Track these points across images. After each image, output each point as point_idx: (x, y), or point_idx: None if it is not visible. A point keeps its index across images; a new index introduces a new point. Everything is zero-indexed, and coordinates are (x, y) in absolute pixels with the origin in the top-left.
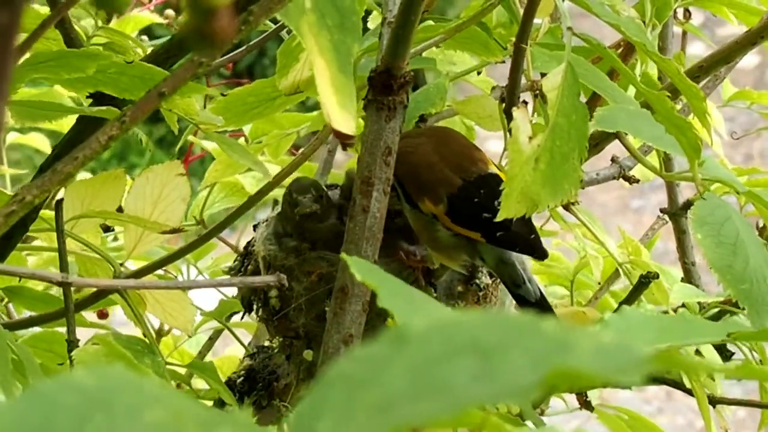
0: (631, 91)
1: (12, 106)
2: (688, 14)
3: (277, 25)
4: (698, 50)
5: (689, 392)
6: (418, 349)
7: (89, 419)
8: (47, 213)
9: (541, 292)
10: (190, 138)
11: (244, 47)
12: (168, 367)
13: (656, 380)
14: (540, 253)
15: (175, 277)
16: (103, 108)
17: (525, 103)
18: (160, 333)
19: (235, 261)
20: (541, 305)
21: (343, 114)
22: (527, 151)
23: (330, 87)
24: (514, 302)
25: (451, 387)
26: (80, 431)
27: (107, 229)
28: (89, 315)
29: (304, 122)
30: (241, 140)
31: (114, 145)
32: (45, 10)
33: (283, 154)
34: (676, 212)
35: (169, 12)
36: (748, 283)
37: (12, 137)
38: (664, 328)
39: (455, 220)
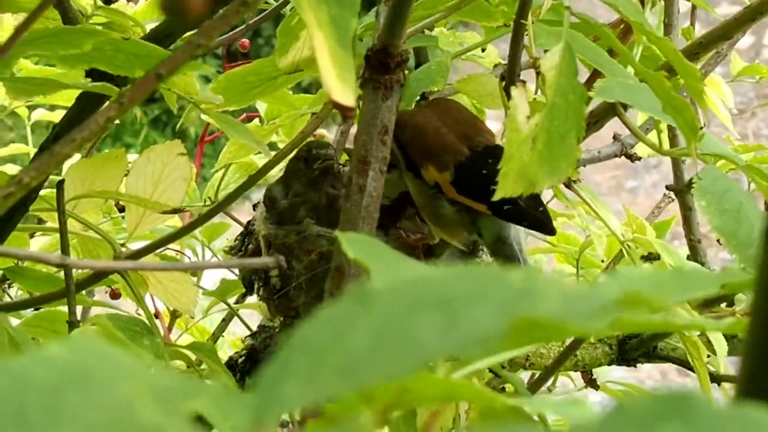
0: (631, 69)
1: (5, 82)
2: None
3: (277, 4)
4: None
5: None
6: (382, 307)
7: (64, 394)
8: (49, 193)
9: None
10: (206, 118)
11: (242, 27)
12: (174, 348)
13: (662, 358)
14: (548, 229)
15: (188, 258)
16: (99, 84)
17: (523, 82)
18: (175, 314)
19: (235, 240)
20: None
21: (342, 86)
22: (525, 130)
23: (329, 60)
24: None
25: (417, 342)
26: (55, 406)
27: (122, 209)
28: (100, 294)
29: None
30: (256, 121)
31: (108, 126)
32: None
33: (297, 133)
34: (681, 189)
35: None
36: (755, 248)
37: (38, 114)
38: (659, 284)
39: (461, 191)
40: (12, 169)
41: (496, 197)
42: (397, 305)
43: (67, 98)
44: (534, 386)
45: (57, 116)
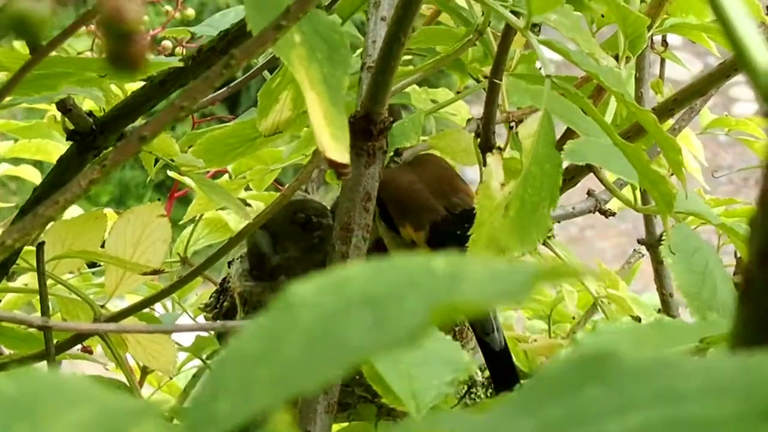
0: (607, 118)
1: None
2: (665, 43)
3: (257, 66)
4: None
5: None
6: (311, 312)
7: (10, 429)
8: (28, 249)
9: (505, 342)
10: (173, 175)
11: (224, 89)
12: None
13: None
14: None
15: (158, 313)
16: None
17: (499, 148)
18: (146, 370)
19: (210, 297)
20: (505, 354)
21: (336, 144)
22: (498, 197)
23: (322, 119)
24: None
25: (346, 344)
26: None
27: (93, 264)
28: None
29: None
30: (225, 177)
31: (112, 190)
32: (26, 51)
33: (265, 187)
34: (653, 243)
35: (166, 43)
36: (715, 312)
37: (2, 169)
38: (638, 338)
39: (434, 251)
40: None
41: None
42: (325, 308)
43: (35, 151)
44: None
45: (20, 172)
